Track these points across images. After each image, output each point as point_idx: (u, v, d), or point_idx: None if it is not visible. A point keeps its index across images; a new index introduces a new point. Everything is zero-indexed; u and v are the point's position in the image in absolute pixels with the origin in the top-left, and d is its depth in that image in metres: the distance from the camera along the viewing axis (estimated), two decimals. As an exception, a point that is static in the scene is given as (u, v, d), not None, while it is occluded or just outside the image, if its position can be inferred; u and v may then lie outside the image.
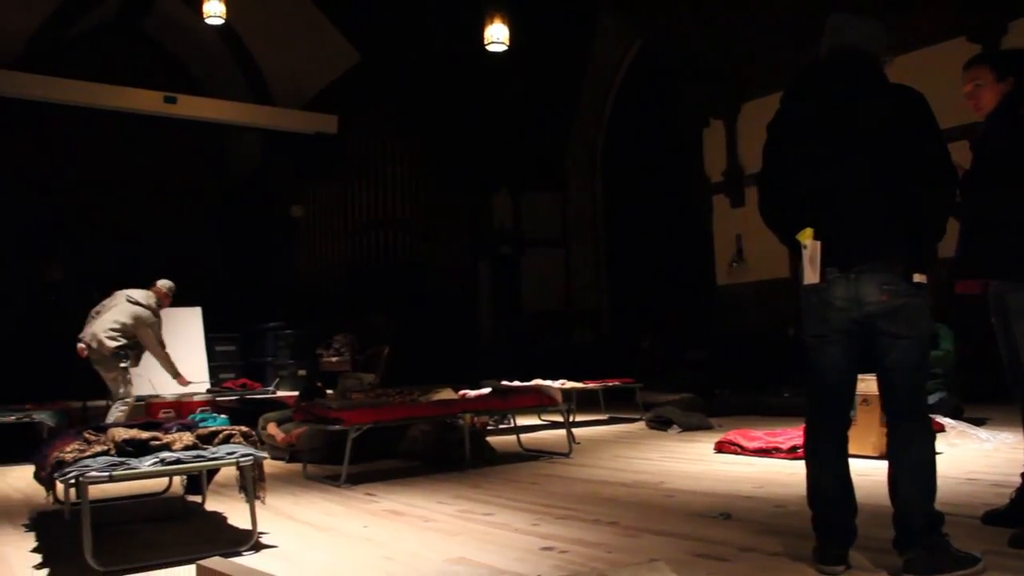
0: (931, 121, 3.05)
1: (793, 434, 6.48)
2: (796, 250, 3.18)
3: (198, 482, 5.17)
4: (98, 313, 8.01)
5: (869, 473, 4.64)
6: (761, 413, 9.81)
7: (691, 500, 4.82)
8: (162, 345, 8.16)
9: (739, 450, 6.64)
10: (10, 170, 12.73)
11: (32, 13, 12.58)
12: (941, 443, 5.03)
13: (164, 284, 8.33)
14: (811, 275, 3.10)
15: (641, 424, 9.46)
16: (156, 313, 8.10)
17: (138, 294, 8.11)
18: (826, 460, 3.18)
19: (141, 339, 7.97)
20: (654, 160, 15.25)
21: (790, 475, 5.49)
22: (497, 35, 10.13)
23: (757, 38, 11.64)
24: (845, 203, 3.08)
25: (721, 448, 6.83)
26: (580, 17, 15.17)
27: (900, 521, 3.02)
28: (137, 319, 7.92)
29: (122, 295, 8.08)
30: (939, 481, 3.05)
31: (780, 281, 11.77)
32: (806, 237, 3.10)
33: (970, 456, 5.89)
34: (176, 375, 8.28)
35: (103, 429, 4.38)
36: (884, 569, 3.12)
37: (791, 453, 6.18)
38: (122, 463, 3.78)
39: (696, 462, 6.43)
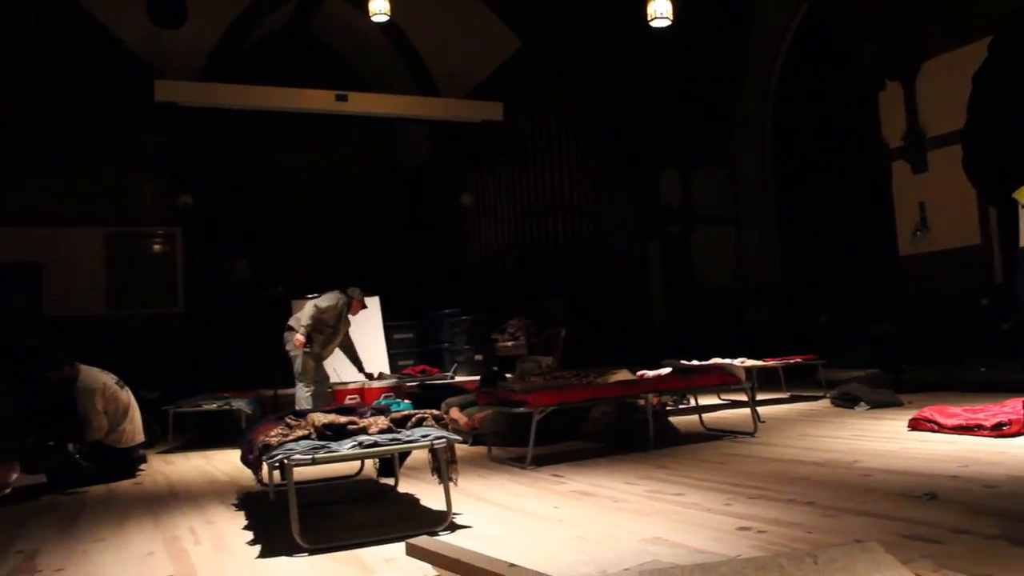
0: None
1: (997, 410, 6.12)
2: (1008, 209, 2.96)
3: (390, 465, 5.34)
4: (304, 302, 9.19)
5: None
6: (955, 389, 9.35)
7: (889, 479, 4.62)
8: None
9: (936, 428, 6.31)
10: (199, 175, 13.49)
11: (212, 29, 13.31)
12: None
13: (355, 291, 9.28)
14: (1030, 236, 2.88)
15: (825, 402, 9.18)
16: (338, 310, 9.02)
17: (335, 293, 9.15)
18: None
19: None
20: (826, 128, 14.66)
21: (997, 454, 5.20)
22: (661, 10, 9.90)
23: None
24: (1070, 157, 2.84)
25: (916, 426, 6.51)
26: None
27: None
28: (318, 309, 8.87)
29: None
30: None
31: (971, 248, 11.09)
32: (1023, 195, 2.88)
33: None
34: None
35: (303, 415, 4.59)
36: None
37: (996, 431, 5.84)
38: (323, 446, 3.95)
39: (889, 440, 6.17)
